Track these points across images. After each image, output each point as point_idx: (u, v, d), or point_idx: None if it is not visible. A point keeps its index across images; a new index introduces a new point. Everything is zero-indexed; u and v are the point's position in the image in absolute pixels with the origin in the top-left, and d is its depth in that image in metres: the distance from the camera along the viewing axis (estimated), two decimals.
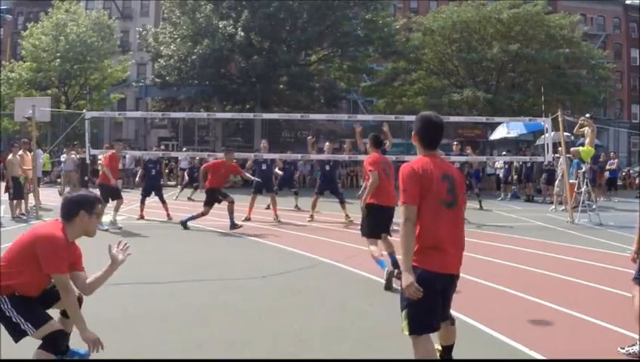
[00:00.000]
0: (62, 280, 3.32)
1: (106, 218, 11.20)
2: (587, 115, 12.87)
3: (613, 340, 4.41)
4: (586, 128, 12.16)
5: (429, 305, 3.00)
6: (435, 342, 3.32)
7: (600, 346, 4.30)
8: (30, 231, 3.42)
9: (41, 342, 3.33)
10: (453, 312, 4.96)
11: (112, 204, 10.37)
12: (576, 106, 26.68)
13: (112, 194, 10.38)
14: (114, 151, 10.93)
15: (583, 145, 12.38)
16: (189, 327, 4.54)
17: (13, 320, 3.28)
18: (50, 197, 14.89)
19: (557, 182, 15.15)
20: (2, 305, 3.24)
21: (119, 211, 10.55)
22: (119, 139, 15.12)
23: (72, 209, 3.43)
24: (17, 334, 3.34)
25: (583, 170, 12.77)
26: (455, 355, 4.07)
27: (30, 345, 4.05)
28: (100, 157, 18.74)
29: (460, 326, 4.66)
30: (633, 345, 4.07)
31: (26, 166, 11.88)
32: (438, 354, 3.27)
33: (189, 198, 16.39)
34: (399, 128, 27.81)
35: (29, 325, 3.29)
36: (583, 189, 12.52)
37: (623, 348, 4.10)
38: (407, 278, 2.92)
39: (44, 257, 3.21)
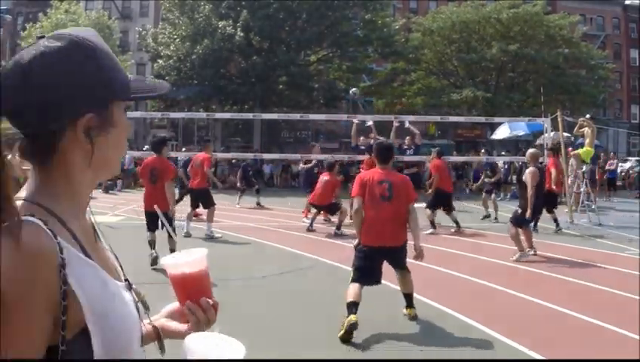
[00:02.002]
0: None
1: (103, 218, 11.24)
2: (587, 116, 12.87)
3: (613, 340, 4.41)
4: (586, 129, 12.15)
5: (367, 269, 4.51)
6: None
7: (600, 346, 4.30)
8: None
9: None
10: (452, 312, 4.98)
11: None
12: (576, 106, 26.69)
13: (207, 200, 9.51)
14: (206, 153, 10.01)
15: (582, 145, 12.37)
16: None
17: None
18: None
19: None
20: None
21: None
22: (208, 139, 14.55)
23: None
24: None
25: (583, 169, 12.77)
26: (455, 355, 4.08)
27: None
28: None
29: (460, 326, 4.68)
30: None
31: (25, 166, 11.86)
32: (356, 298, 4.37)
33: (258, 204, 14.44)
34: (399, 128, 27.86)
35: None
36: (582, 189, 12.52)
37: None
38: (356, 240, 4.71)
39: None
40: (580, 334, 4.57)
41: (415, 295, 5.63)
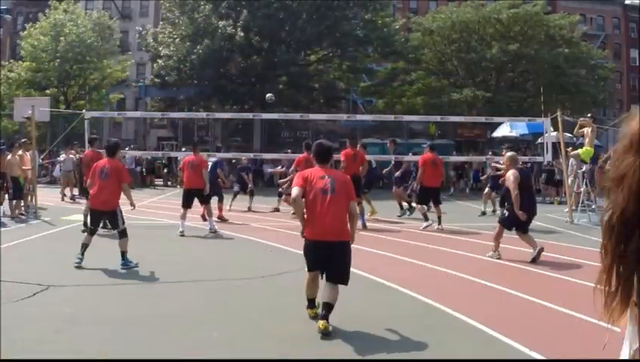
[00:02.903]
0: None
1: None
2: (588, 116, 12.86)
3: (613, 340, 4.41)
4: (586, 128, 12.15)
5: (312, 259, 4.62)
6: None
7: (600, 346, 4.30)
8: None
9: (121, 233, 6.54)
10: (452, 312, 4.98)
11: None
12: (576, 106, 26.65)
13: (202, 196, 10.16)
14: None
15: (583, 145, 12.37)
16: (189, 327, 4.53)
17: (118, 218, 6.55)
18: (49, 197, 14.87)
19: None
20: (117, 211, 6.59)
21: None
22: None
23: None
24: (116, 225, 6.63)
25: (583, 169, 12.77)
26: (455, 355, 4.08)
27: (30, 346, 4.06)
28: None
29: (460, 326, 4.68)
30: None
31: (25, 166, 11.88)
32: (312, 291, 4.71)
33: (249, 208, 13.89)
34: (399, 128, 27.84)
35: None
36: (582, 189, 12.52)
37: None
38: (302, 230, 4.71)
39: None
40: (580, 334, 4.57)
41: (415, 294, 5.65)
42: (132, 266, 6.54)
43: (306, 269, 4.68)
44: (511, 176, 7.48)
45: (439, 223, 10.58)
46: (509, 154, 8.24)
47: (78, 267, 6.50)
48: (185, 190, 10.36)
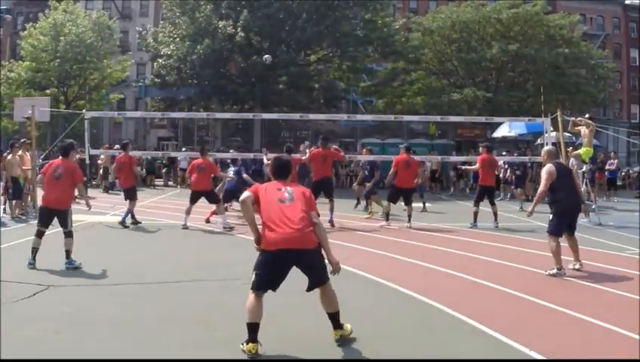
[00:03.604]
0: None
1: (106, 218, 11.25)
2: (586, 115, 12.86)
3: (613, 340, 4.41)
4: (583, 128, 12.16)
5: (269, 272, 4.09)
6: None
7: (600, 346, 4.30)
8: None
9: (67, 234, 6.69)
10: (452, 312, 4.98)
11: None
12: (576, 106, 26.66)
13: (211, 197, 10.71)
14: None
15: (582, 145, 12.38)
16: (189, 327, 4.53)
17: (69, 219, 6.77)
18: None
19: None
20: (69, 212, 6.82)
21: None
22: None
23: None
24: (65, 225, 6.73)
25: (583, 169, 12.77)
26: (455, 355, 4.08)
27: (30, 346, 4.06)
28: (102, 157, 18.79)
29: (460, 326, 4.68)
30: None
31: (25, 166, 11.87)
32: (255, 312, 4.02)
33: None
34: (399, 128, 27.84)
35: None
36: (582, 189, 12.50)
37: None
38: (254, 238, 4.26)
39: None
40: (580, 334, 4.57)
41: (414, 294, 5.65)
42: (76, 266, 6.57)
43: (252, 288, 4.09)
44: (544, 170, 6.82)
45: (409, 221, 10.89)
46: (547, 148, 7.54)
47: (32, 268, 6.54)
48: (192, 191, 10.77)
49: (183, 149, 24.95)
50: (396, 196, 11.02)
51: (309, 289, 4.20)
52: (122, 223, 10.42)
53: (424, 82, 29.17)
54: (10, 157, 11.61)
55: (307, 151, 11.98)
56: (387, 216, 10.98)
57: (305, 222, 4.08)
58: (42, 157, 14.72)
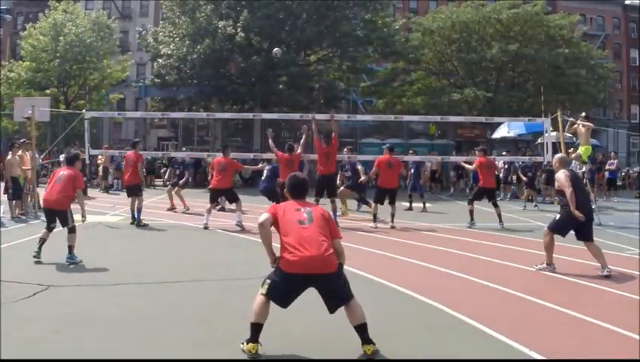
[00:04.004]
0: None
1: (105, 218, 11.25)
2: (583, 114, 12.86)
3: (613, 340, 4.41)
4: (578, 127, 12.17)
5: (283, 291, 4.02)
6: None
7: (600, 346, 4.30)
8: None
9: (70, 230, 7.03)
10: (452, 312, 4.98)
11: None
12: (576, 106, 26.66)
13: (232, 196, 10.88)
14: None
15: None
16: (189, 327, 4.54)
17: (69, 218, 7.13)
18: None
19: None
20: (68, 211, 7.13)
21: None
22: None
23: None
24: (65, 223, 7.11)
25: (583, 170, 12.77)
26: (455, 355, 4.08)
27: (30, 346, 4.06)
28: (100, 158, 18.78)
29: (460, 326, 4.68)
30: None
31: (25, 166, 11.87)
32: (261, 314, 4.00)
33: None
34: (399, 128, 27.84)
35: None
36: None
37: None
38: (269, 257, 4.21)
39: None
40: (580, 334, 4.57)
41: (414, 294, 5.66)
42: (77, 261, 6.86)
43: (266, 294, 4.03)
44: (562, 174, 6.83)
45: (392, 220, 10.96)
46: (558, 156, 7.62)
47: (38, 262, 6.82)
48: (211, 189, 10.95)
49: (183, 149, 24.95)
50: (382, 197, 11.05)
51: (332, 311, 4.09)
52: (138, 223, 10.57)
53: (424, 82, 29.17)
54: (10, 157, 11.61)
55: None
56: (375, 217, 10.95)
57: (324, 245, 3.97)
58: (43, 156, 14.71)
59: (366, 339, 3.97)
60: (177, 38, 25.14)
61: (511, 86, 28.17)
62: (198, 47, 23.71)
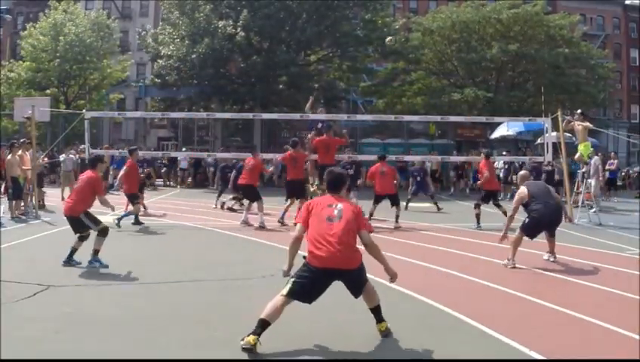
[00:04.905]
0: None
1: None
2: (578, 111, 12.86)
3: (613, 340, 4.41)
4: (575, 125, 12.16)
5: (308, 285, 4.13)
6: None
7: (600, 346, 4.30)
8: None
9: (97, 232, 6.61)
10: (452, 312, 4.99)
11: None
12: (576, 106, 26.62)
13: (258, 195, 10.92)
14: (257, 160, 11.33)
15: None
16: (189, 327, 4.54)
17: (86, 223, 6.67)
18: (49, 197, 14.82)
19: (593, 182, 14.22)
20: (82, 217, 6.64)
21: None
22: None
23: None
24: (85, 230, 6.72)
25: (583, 170, 12.77)
26: (455, 355, 4.08)
27: (30, 346, 4.06)
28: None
29: (460, 326, 4.68)
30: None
31: (25, 166, 11.87)
32: (273, 314, 4.06)
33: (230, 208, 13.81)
34: (399, 128, 27.84)
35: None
36: (582, 189, 12.51)
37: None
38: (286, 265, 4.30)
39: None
40: (580, 334, 4.57)
41: (414, 294, 5.65)
42: (96, 267, 6.51)
43: (287, 295, 4.10)
44: (517, 193, 7.65)
45: (396, 221, 11.10)
46: (521, 173, 8.42)
47: (67, 266, 6.65)
48: (242, 187, 11.21)
49: (184, 149, 24.96)
50: (379, 201, 11.38)
51: (356, 296, 4.34)
52: (119, 220, 10.06)
53: (424, 82, 29.17)
54: (10, 157, 11.61)
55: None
56: (370, 216, 11.02)
57: (350, 242, 4.14)
58: (42, 157, 14.69)
59: (380, 319, 4.35)
60: (177, 39, 25.13)
61: (511, 86, 28.16)
62: (198, 47, 23.71)
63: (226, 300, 5.44)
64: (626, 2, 44.18)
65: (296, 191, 10.97)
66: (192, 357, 3.94)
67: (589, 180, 13.52)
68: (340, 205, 4.29)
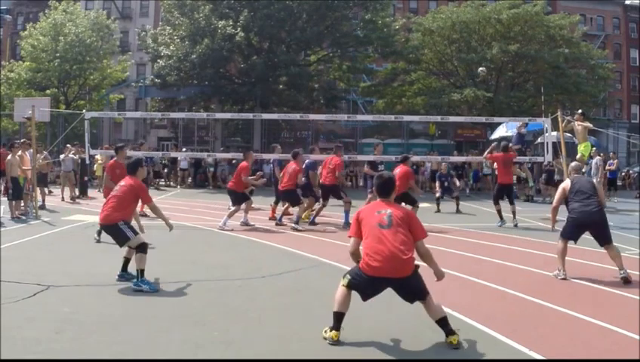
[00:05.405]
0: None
1: None
2: (579, 111, 12.86)
3: (613, 340, 4.41)
4: (575, 124, 12.16)
5: (362, 289, 4.25)
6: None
7: (600, 346, 4.30)
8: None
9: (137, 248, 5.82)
10: (452, 312, 4.99)
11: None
12: (576, 106, 26.67)
13: (244, 198, 10.83)
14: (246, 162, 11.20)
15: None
16: (189, 327, 4.54)
17: (124, 231, 5.90)
18: (49, 197, 14.84)
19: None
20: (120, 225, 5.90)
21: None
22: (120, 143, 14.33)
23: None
24: (122, 239, 5.94)
25: (583, 170, 12.74)
26: (455, 355, 4.08)
27: (30, 346, 4.06)
28: (98, 158, 18.77)
29: (460, 326, 4.67)
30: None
31: (25, 166, 11.87)
32: (343, 303, 4.26)
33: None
34: (399, 128, 27.87)
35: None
36: None
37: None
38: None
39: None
40: (580, 334, 4.57)
41: None
42: (145, 289, 5.64)
43: (347, 285, 4.25)
44: (560, 186, 7.03)
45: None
46: (573, 164, 7.65)
47: (122, 280, 6.08)
48: (281, 190, 11.23)
49: (184, 149, 24.98)
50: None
51: (410, 302, 4.35)
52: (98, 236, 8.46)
53: (424, 82, 29.20)
54: (10, 157, 11.60)
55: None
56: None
57: (403, 248, 4.12)
58: (42, 157, 14.66)
59: (449, 331, 4.19)
60: (177, 39, 25.16)
61: (511, 86, 28.18)
62: (198, 47, 23.72)
63: (225, 300, 5.44)
64: (626, 2, 44.19)
65: (292, 198, 11.04)
66: (192, 357, 3.94)
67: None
68: (389, 210, 4.31)
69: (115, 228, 5.94)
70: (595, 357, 4.04)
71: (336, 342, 4.13)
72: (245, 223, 10.68)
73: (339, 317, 4.20)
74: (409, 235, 4.21)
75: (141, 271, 5.68)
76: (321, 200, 11.28)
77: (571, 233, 6.67)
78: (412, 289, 4.22)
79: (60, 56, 28.55)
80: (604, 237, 6.60)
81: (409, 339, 4.36)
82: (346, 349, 4.12)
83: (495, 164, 12.05)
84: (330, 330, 4.19)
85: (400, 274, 4.12)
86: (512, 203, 11.53)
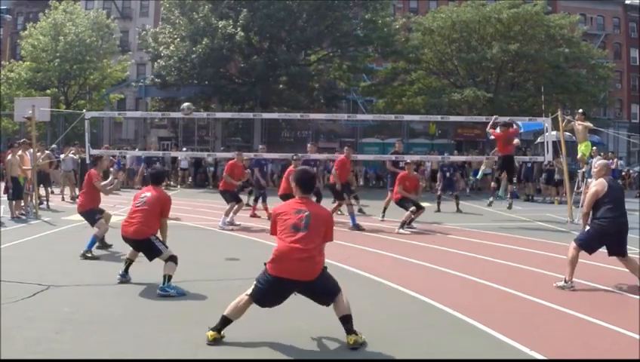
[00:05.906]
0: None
1: None
2: (580, 111, 12.86)
3: (613, 340, 4.41)
4: (575, 124, 12.16)
5: (266, 293, 4.15)
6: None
7: (600, 346, 4.30)
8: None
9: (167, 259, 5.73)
10: (452, 312, 4.99)
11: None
12: (576, 106, 26.64)
13: (234, 198, 10.87)
14: (235, 160, 11.30)
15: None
16: (189, 327, 4.53)
17: (157, 245, 5.83)
18: (49, 197, 14.82)
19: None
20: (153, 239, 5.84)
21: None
22: (119, 142, 14.70)
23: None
24: (155, 253, 5.84)
25: (583, 170, 12.76)
26: (455, 355, 4.08)
27: (30, 346, 4.06)
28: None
29: (460, 326, 4.68)
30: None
31: (25, 166, 11.86)
32: (236, 313, 4.20)
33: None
34: (399, 128, 27.85)
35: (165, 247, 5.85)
36: (582, 189, 12.49)
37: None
38: None
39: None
40: (580, 334, 4.57)
41: (415, 294, 5.65)
42: (171, 294, 5.54)
43: (250, 296, 4.16)
44: (591, 188, 6.22)
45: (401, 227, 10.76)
46: (601, 161, 6.91)
47: (122, 282, 6.03)
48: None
49: (184, 149, 24.96)
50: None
51: (325, 305, 4.27)
52: (85, 254, 7.35)
53: (424, 82, 29.18)
54: (10, 157, 11.60)
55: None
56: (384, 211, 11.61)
57: (311, 254, 4.07)
58: (42, 157, 14.65)
59: (349, 330, 4.11)
60: (177, 39, 25.15)
61: (511, 86, 28.16)
62: (198, 47, 23.72)
63: (225, 300, 5.43)
64: (626, 2, 44.17)
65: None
66: (192, 357, 3.94)
67: (590, 180, 13.50)
68: (307, 212, 4.18)
69: (149, 243, 5.88)
70: (595, 357, 4.04)
71: (211, 343, 4.08)
72: (231, 223, 10.62)
73: (225, 322, 4.15)
74: (321, 238, 4.16)
75: (169, 277, 5.65)
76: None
77: (591, 244, 6.06)
78: (321, 291, 4.17)
79: (60, 56, 28.55)
80: (622, 247, 5.98)
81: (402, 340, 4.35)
82: (346, 347, 4.11)
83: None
84: (211, 329, 4.14)
85: (302, 277, 4.06)
86: (510, 181, 11.71)
